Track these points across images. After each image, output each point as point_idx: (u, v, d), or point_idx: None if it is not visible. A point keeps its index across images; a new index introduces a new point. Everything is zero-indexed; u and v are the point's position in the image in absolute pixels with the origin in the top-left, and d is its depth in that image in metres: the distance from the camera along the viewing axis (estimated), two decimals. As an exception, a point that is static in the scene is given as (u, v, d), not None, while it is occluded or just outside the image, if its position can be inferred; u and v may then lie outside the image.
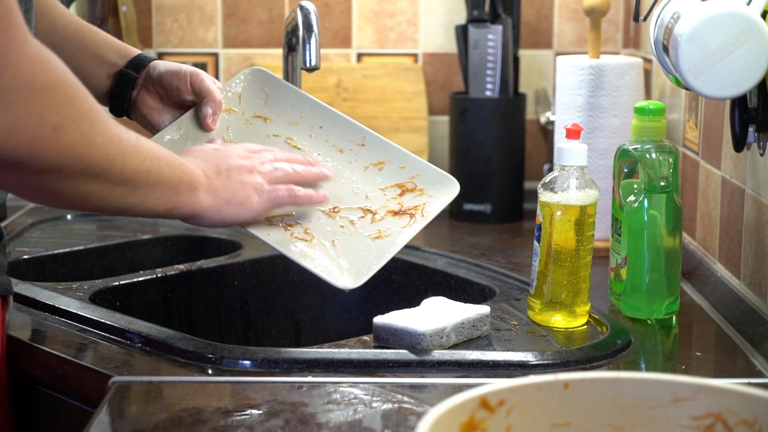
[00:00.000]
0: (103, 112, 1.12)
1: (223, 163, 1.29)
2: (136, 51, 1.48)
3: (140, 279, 1.57)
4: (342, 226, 1.34)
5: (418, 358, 1.23)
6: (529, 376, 0.90)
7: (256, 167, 1.30)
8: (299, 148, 1.41)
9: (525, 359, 1.24)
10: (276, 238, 1.29)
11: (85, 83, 1.47)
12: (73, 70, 1.45)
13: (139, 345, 1.28)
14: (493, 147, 1.96)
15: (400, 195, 1.39)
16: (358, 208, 1.36)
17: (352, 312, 1.71)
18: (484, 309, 1.32)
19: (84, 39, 1.47)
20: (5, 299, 1.28)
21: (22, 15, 1.06)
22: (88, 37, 1.47)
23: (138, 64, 1.46)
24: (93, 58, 1.47)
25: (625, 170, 1.42)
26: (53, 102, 1.05)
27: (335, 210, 1.36)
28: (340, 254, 1.30)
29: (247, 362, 1.22)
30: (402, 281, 1.68)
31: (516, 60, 2.00)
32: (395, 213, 1.37)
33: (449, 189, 1.40)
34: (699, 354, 1.32)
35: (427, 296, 1.36)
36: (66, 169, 1.08)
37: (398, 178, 1.41)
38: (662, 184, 1.38)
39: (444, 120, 2.12)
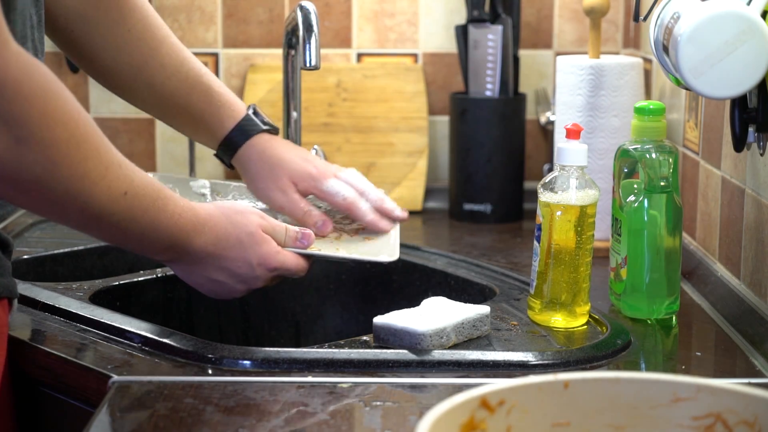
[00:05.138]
0: (100, 139, 1.09)
1: (225, 259, 1.27)
2: (233, 120, 1.44)
3: (140, 279, 1.57)
4: (332, 242, 1.41)
5: (418, 358, 1.23)
6: (529, 376, 0.90)
7: (253, 282, 1.31)
8: None
9: (525, 359, 1.24)
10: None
11: (197, 131, 1.48)
12: (188, 112, 1.45)
13: (139, 345, 1.28)
14: (493, 147, 1.96)
15: (351, 222, 1.47)
16: (332, 231, 1.43)
17: (352, 312, 1.71)
18: (484, 309, 1.32)
19: (192, 91, 1.44)
20: (9, 301, 1.28)
21: (11, 24, 1.04)
22: (195, 90, 1.44)
23: (230, 146, 1.44)
24: (198, 118, 1.45)
25: (625, 170, 1.42)
26: (25, 113, 1.01)
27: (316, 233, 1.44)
28: (351, 251, 1.38)
29: (247, 362, 1.22)
30: (402, 281, 1.68)
31: (516, 60, 2.00)
32: (364, 229, 1.45)
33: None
34: (699, 354, 1.32)
35: (427, 296, 1.36)
36: (23, 185, 1.05)
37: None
38: (662, 184, 1.38)
39: (444, 120, 2.12)
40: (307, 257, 1.34)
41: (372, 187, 1.46)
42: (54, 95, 1.04)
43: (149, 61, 1.41)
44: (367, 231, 1.45)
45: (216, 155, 1.47)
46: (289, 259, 1.31)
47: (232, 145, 1.44)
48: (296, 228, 1.34)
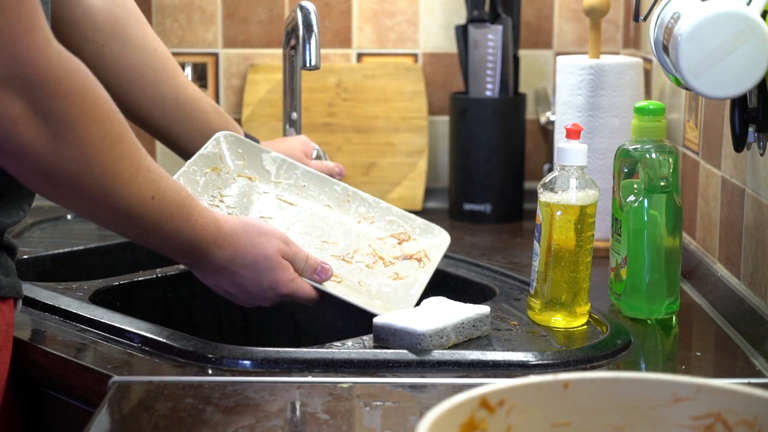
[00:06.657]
0: (133, 141, 1.10)
1: (239, 276, 1.27)
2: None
3: (140, 279, 1.57)
4: (361, 270, 1.42)
5: (418, 358, 1.23)
6: (529, 376, 0.90)
7: (261, 302, 1.31)
8: (292, 204, 1.48)
9: (525, 359, 1.24)
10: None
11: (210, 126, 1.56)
12: (190, 143, 1.53)
13: (139, 345, 1.28)
14: (493, 147, 1.96)
15: (399, 244, 1.50)
16: (369, 254, 1.45)
17: (352, 312, 1.70)
18: (484, 309, 1.32)
19: (201, 118, 1.53)
20: (15, 302, 1.28)
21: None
22: (203, 117, 1.53)
23: None
24: (217, 113, 1.56)
25: (625, 170, 1.42)
26: (64, 109, 1.02)
27: (350, 256, 1.45)
28: (370, 294, 1.38)
29: (247, 362, 1.22)
30: (402, 281, 1.68)
31: (516, 60, 2.00)
32: (403, 258, 1.47)
33: (440, 235, 1.52)
34: (699, 354, 1.32)
35: (427, 296, 1.36)
36: (56, 180, 1.06)
37: (391, 230, 1.51)
38: (662, 184, 1.38)
39: (444, 120, 2.12)
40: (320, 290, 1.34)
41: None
42: (93, 94, 1.05)
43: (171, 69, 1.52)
44: (403, 262, 1.46)
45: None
46: (302, 289, 1.31)
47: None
48: (317, 260, 1.33)
